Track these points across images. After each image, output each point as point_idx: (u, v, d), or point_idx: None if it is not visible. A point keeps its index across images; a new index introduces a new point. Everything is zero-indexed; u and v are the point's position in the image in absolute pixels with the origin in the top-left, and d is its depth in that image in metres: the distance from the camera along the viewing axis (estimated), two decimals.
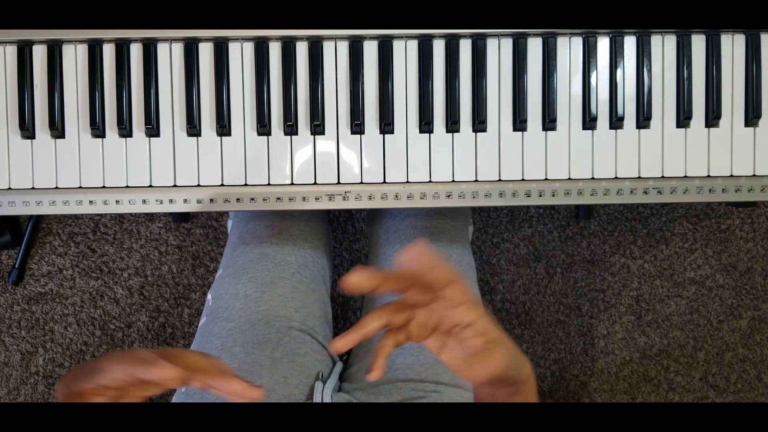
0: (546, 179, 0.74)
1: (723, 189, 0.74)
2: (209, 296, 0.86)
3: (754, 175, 0.74)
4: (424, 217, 0.92)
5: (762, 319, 1.39)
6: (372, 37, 0.73)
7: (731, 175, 0.74)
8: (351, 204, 0.74)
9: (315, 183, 0.74)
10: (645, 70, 0.73)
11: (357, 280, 0.47)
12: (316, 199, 0.74)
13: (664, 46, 0.73)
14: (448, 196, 0.74)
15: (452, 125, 0.73)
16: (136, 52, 0.72)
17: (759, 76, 0.73)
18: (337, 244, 1.39)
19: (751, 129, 0.74)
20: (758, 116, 0.73)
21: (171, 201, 0.74)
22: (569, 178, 0.74)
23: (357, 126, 0.73)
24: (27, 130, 0.72)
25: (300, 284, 0.86)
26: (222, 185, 0.74)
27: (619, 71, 0.73)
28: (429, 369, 0.79)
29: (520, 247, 1.39)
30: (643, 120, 0.73)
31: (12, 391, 1.36)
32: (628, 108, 0.73)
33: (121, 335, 1.36)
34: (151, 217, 1.37)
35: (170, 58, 0.73)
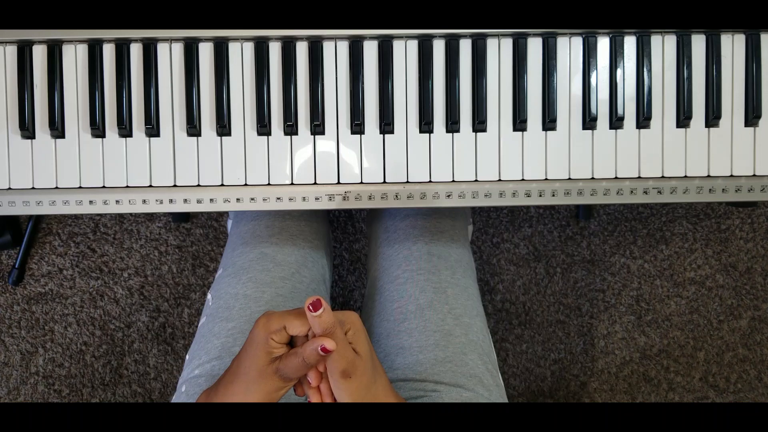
0: (546, 179, 0.74)
1: (723, 189, 0.74)
2: (209, 296, 0.86)
3: (754, 175, 0.74)
4: (424, 217, 0.92)
5: (762, 319, 1.39)
6: (372, 37, 0.73)
7: (731, 175, 0.74)
8: (351, 204, 0.74)
9: (315, 183, 0.74)
10: (645, 70, 0.73)
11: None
12: (316, 199, 0.74)
13: (664, 46, 0.73)
14: (448, 196, 0.74)
15: (452, 125, 0.73)
16: (136, 52, 0.72)
17: (759, 76, 0.73)
18: (337, 244, 1.39)
19: (751, 129, 0.74)
20: (758, 116, 0.73)
21: (171, 201, 0.74)
22: (569, 178, 0.74)
23: (357, 126, 0.73)
24: (27, 130, 0.72)
25: (300, 284, 0.86)
26: (222, 185, 0.74)
27: (619, 71, 0.73)
28: (429, 369, 0.79)
29: (520, 247, 1.39)
30: (643, 120, 0.73)
31: (12, 391, 1.36)
32: (628, 108, 0.73)
33: (121, 335, 1.36)
34: (151, 217, 1.37)
35: (170, 58, 0.73)
